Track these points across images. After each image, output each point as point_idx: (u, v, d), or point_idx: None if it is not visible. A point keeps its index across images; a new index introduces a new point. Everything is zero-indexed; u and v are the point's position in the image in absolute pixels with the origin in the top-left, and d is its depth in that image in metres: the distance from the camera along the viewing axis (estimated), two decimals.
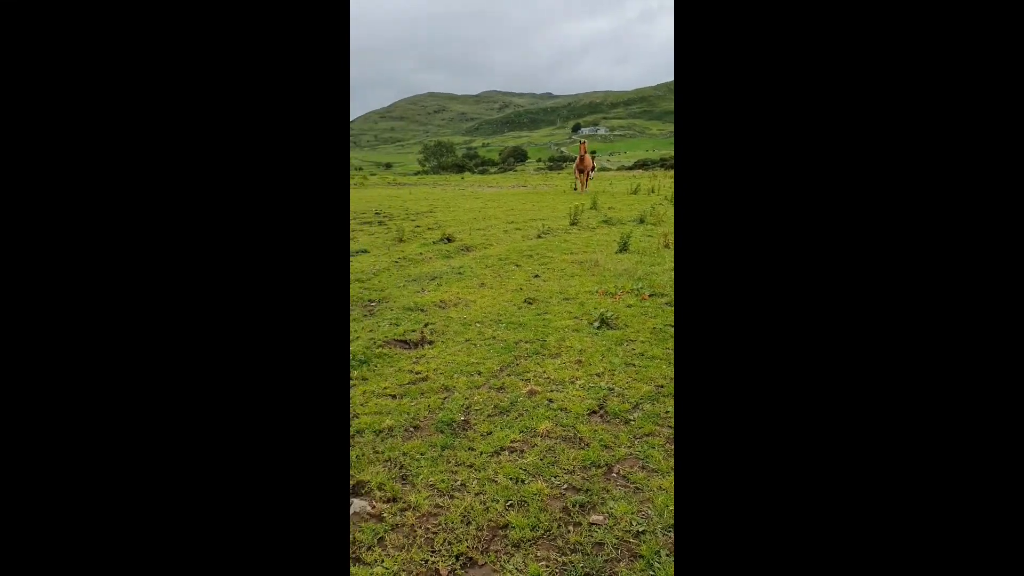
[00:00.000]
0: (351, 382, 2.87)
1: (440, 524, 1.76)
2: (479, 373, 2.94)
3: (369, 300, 4.55)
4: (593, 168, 18.53)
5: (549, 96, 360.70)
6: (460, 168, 41.72)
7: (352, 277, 5.33)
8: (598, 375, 2.87)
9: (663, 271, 5.32)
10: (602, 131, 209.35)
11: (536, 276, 5.29)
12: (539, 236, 7.91)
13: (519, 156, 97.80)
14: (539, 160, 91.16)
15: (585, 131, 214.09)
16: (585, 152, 17.43)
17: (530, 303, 4.32)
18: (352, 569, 1.59)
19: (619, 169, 57.46)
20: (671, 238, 6.60)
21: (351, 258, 6.35)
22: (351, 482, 1.99)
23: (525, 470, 2.03)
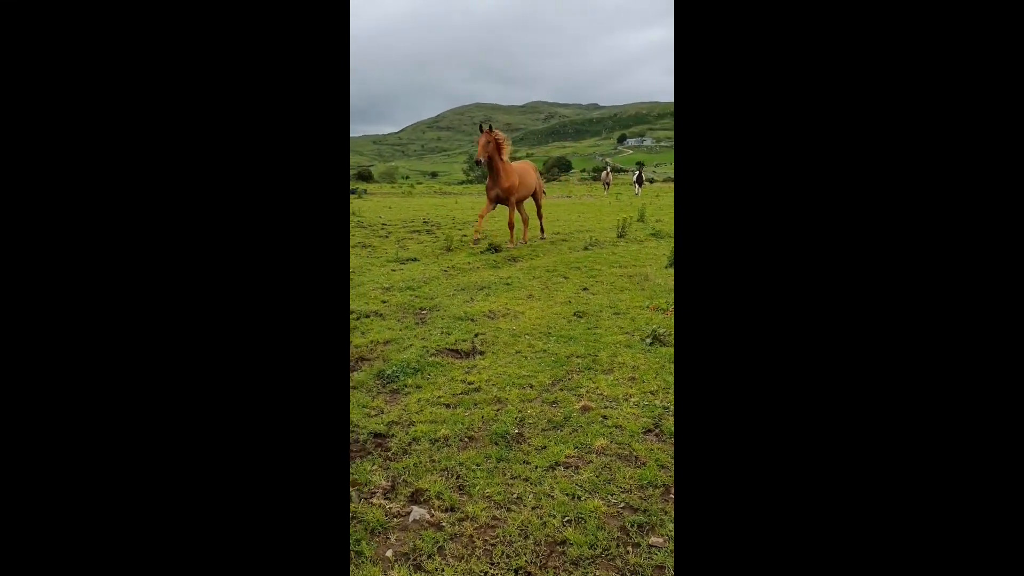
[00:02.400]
0: (406, 389, 2.93)
1: (498, 536, 1.77)
2: (531, 386, 2.95)
3: (421, 308, 4.63)
4: (641, 183, 18.07)
5: (595, 107, 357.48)
6: None
7: (404, 285, 5.44)
8: (652, 393, 2.84)
9: None
10: (648, 142, 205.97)
11: (585, 289, 5.27)
12: (586, 248, 7.89)
13: (563, 166, 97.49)
14: (583, 170, 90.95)
15: (631, 142, 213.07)
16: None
17: (580, 316, 4.31)
18: None
19: (665, 180, 56.69)
20: None
21: (402, 265, 6.48)
22: (409, 489, 2.03)
23: (581, 486, 2.03)
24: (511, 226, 8.40)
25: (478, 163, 7.84)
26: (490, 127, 7.81)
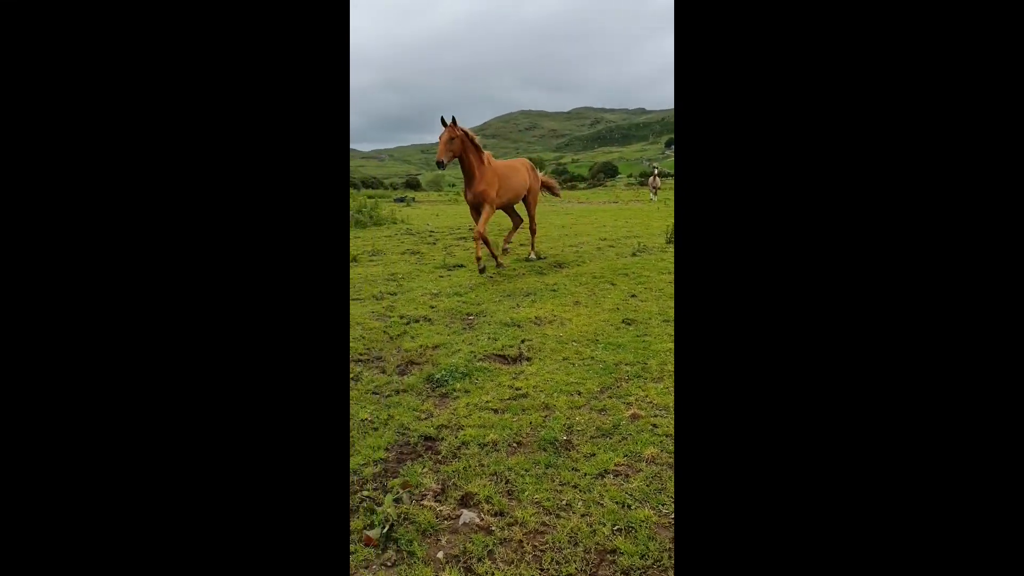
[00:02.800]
0: (454, 393, 2.97)
1: (548, 543, 1.77)
2: (579, 393, 2.93)
3: (468, 314, 4.68)
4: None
5: (642, 111, 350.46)
6: None
7: (451, 291, 5.52)
8: None
9: None
10: None
11: (633, 296, 5.20)
12: (634, 254, 7.79)
13: (609, 171, 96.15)
14: (630, 175, 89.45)
15: None
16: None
17: (628, 324, 4.26)
18: None
19: None
20: None
21: (449, 272, 6.56)
22: (459, 493, 2.05)
23: (631, 495, 2.00)
24: (477, 236, 6.31)
25: (439, 164, 6.17)
26: (453, 120, 6.14)
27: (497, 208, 6.65)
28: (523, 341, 3.85)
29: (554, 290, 5.50)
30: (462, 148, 6.23)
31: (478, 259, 6.32)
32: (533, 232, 7.66)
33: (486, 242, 6.45)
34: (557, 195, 8.25)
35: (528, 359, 3.51)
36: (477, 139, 6.39)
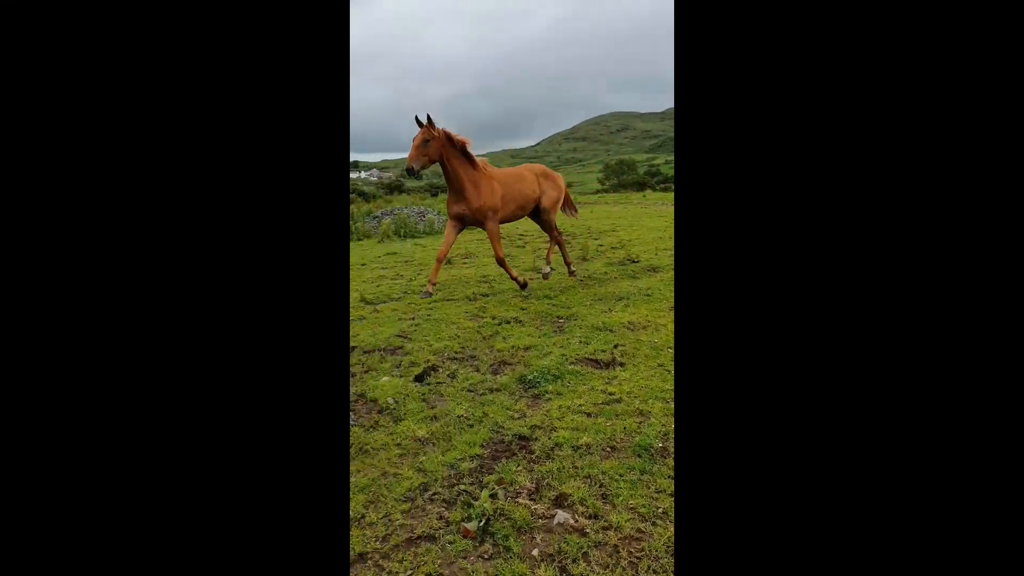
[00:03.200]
0: (547, 395, 3.00)
1: (644, 550, 1.75)
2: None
3: (558, 317, 4.70)
4: None
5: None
6: (641, 186, 41.17)
7: (541, 294, 5.56)
8: None
9: None
10: None
11: None
12: None
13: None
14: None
15: None
16: None
17: None
18: None
19: None
20: None
21: (537, 275, 6.61)
22: (553, 493, 2.07)
23: None
24: (500, 262, 5.43)
25: (410, 172, 4.99)
26: (428, 119, 4.99)
27: (501, 222, 5.54)
28: (616, 346, 3.80)
29: (648, 295, 5.38)
30: (441, 153, 5.09)
31: (517, 281, 5.58)
32: (560, 245, 6.35)
33: (503, 265, 5.46)
34: (574, 214, 6.92)
35: (621, 364, 3.47)
36: (465, 141, 5.23)
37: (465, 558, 1.76)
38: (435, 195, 26.51)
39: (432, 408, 2.90)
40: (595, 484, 2.12)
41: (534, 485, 2.14)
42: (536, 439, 2.51)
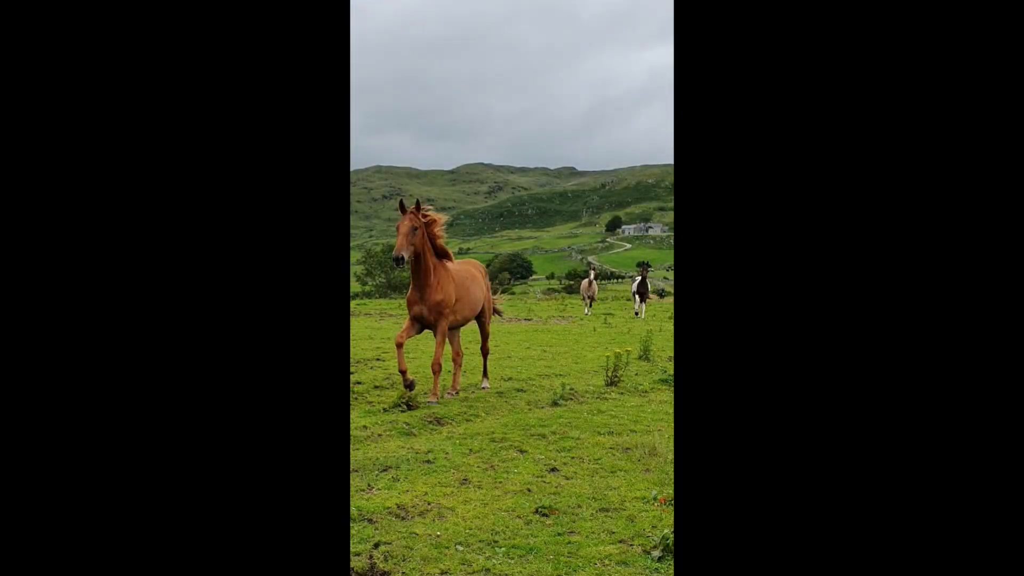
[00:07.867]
0: None
1: None
2: None
3: None
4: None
5: (571, 172, 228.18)
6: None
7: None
8: None
9: None
10: (656, 229, 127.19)
11: (553, 470, 3.94)
12: (556, 403, 5.91)
13: (519, 270, 68.11)
14: (551, 277, 67.25)
15: (628, 229, 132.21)
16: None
17: (544, 515, 3.17)
18: None
19: None
20: None
21: None
22: None
23: None
24: (436, 368, 5.45)
25: (398, 262, 5.03)
26: (417, 204, 5.21)
27: (450, 326, 5.55)
28: (377, 545, 2.72)
29: (429, 461, 3.96)
30: (424, 240, 5.17)
31: (435, 391, 5.54)
32: (486, 354, 6.40)
33: (436, 372, 5.51)
34: (499, 314, 7.08)
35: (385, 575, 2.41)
36: (441, 232, 5.41)
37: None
38: None
39: None
40: None
41: None
42: None
